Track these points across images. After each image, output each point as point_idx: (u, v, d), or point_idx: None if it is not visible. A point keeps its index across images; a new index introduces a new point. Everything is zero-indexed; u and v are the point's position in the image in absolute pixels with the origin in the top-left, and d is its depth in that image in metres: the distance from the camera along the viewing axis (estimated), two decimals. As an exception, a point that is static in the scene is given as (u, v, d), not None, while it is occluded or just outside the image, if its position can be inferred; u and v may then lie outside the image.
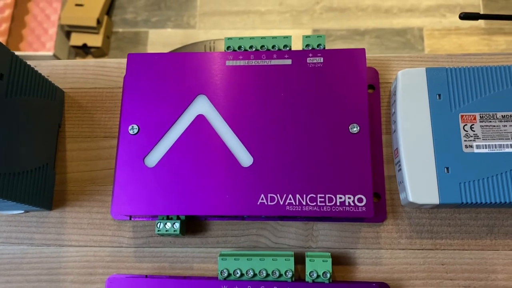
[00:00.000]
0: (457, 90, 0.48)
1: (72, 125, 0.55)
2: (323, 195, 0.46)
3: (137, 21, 1.69)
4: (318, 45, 0.51)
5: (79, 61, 0.58)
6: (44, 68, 0.57)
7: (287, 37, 0.51)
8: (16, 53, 0.47)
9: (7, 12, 1.54)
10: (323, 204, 0.45)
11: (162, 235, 0.48)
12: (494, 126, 0.47)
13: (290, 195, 0.46)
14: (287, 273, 0.45)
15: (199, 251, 0.50)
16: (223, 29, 1.65)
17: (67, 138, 0.55)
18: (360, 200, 0.45)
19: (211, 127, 0.49)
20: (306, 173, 0.46)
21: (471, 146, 0.47)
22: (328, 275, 0.45)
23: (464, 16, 0.50)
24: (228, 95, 0.49)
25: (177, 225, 0.47)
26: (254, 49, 0.51)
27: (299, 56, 0.50)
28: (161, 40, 1.66)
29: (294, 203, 0.46)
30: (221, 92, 0.50)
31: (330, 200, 0.45)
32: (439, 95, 0.49)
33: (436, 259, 0.48)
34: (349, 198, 0.45)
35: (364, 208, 0.45)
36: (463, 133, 0.47)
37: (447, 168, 0.46)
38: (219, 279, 0.46)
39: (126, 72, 0.51)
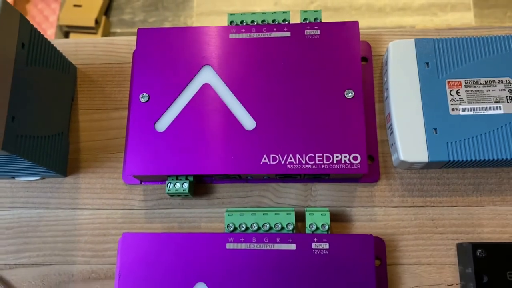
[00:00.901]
0: (444, 58, 0.52)
1: (84, 98, 0.59)
2: (321, 154, 0.49)
3: (134, 22, 1.72)
4: (315, 19, 0.55)
5: (89, 39, 0.61)
6: (56, 46, 0.60)
7: (286, 12, 0.55)
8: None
9: (8, 12, 1.57)
10: (321, 162, 0.49)
11: (172, 195, 0.52)
12: (478, 90, 0.51)
13: (290, 155, 0.50)
14: (289, 226, 0.49)
15: (206, 211, 0.54)
16: (220, 28, 1.68)
17: (79, 110, 0.58)
18: (355, 158, 0.49)
19: (216, 94, 0.52)
20: (305, 134, 0.50)
21: (457, 109, 0.51)
22: (327, 227, 0.48)
23: None
24: (232, 65, 0.53)
25: (186, 185, 0.51)
26: (255, 24, 0.55)
27: (297, 29, 0.54)
28: (159, 39, 1.68)
29: (294, 162, 0.49)
30: (225, 63, 0.53)
31: (328, 158, 0.49)
32: (427, 63, 0.52)
33: (426, 215, 0.52)
34: (345, 156, 0.49)
35: (359, 166, 0.49)
36: (449, 97, 0.51)
37: (435, 130, 0.50)
38: (226, 232, 0.49)
39: (137, 45, 0.55)
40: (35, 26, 0.51)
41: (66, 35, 1.65)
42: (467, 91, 0.51)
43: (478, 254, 0.47)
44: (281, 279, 0.47)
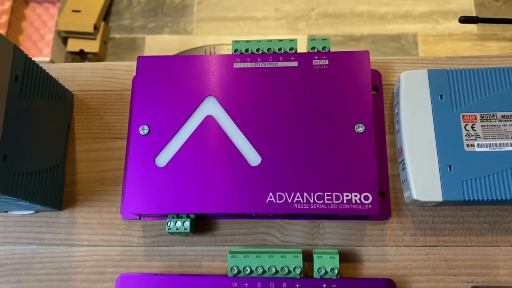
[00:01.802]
0: (458, 91, 0.50)
1: (81, 127, 0.56)
2: (330, 193, 0.47)
3: (134, 27, 1.70)
4: (323, 48, 0.52)
5: (87, 64, 0.59)
6: (53, 70, 0.58)
7: (293, 40, 0.53)
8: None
9: (4, 18, 1.54)
10: (330, 202, 0.47)
11: (173, 233, 0.49)
12: (495, 125, 0.49)
13: (298, 193, 0.47)
14: (296, 270, 0.46)
15: (208, 249, 0.51)
16: (220, 35, 1.66)
17: (76, 140, 0.56)
18: (366, 197, 0.46)
19: (220, 127, 0.50)
20: (313, 171, 0.48)
21: (473, 145, 0.48)
22: (336, 271, 0.46)
23: (464, 20, 0.52)
24: (236, 96, 0.51)
25: (187, 223, 0.48)
26: (261, 52, 0.53)
27: (305, 58, 0.51)
28: (158, 46, 1.67)
29: (302, 201, 0.47)
30: (229, 94, 0.51)
31: (337, 198, 0.47)
32: (441, 95, 0.50)
33: (439, 255, 0.50)
34: (356, 196, 0.47)
35: (370, 206, 0.46)
36: (464, 132, 0.49)
37: (450, 167, 0.48)
38: (229, 276, 0.47)
39: (136, 74, 0.52)
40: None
41: (65, 40, 1.63)
42: (482, 126, 0.49)
43: (495, 301, 0.45)
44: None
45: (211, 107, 0.51)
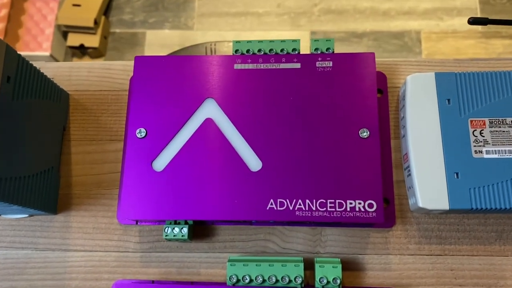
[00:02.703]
0: (466, 95, 0.48)
1: (77, 128, 0.55)
2: (333, 201, 0.45)
3: (134, 22, 1.68)
4: (327, 49, 0.50)
5: (84, 63, 0.57)
6: (48, 70, 0.56)
7: (296, 41, 0.51)
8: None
9: (4, 12, 1.52)
10: (333, 209, 0.45)
11: (170, 240, 0.48)
12: (504, 131, 0.47)
13: (299, 200, 0.46)
14: (297, 279, 0.45)
15: (206, 256, 0.50)
16: (221, 30, 1.65)
17: (72, 141, 0.54)
18: (370, 205, 0.45)
19: (219, 131, 0.48)
20: (315, 178, 0.46)
21: (481, 152, 0.47)
22: (338, 281, 0.44)
23: (474, 21, 0.50)
24: (237, 98, 0.49)
25: (185, 230, 0.47)
26: (262, 53, 0.51)
27: (308, 60, 0.50)
28: (159, 41, 1.65)
29: (303, 208, 0.45)
30: (229, 96, 0.49)
31: (340, 205, 0.45)
32: (448, 100, 0.48)
33: (445, 264, 0.48)
34: (359, 203, 0.45)
35: (374, 214, 0.45)
36: (472, 138, 0.47)
37: (457, 174, 0.46)
38: (228, 285, 0.45)
39: (134, 75, 0.50)
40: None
41: (65, 34, 1.61)
42: (491, 131, 0.47)
43: (503, 314, 0.43)
44: None
45: (210, 110, 0.49)
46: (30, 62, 0.47)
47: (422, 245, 0.49)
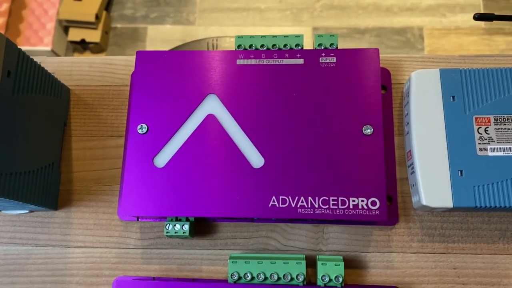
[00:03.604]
0: (471, 92, 0.48)
1: (78, 123, 0.54)
2: (335, 198, 0.45)
3: (135, 17, 1.67)
4: (330, 45, 0.50)
5: (85, 58, 0.57)
6: (49, 64, 0.56)
7: (299, 36, 0.50)
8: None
9: (5, 6, 1.52)
10: (336, 207, 0.45)
11: (171, 237, 0.47)
12: (509, 129, 0.47)
13: (302, 198, 0.45)
14: (299, 277, 0.44)
15: (208, 253, 0.49)
16: (223, 25, 1.64)
17: (73, 137, 0.54)
18: (373, 203, 0.45)
19: (221, 127, 0.48)
20: (318, 175, 0.46)
21: (485, 149, 0.46)
22: (341, 279, 0.44)
23: (479, 17, 0.49)
24: (239, 94, 0.49)
25: (186, 227, 0.47)
26: (265, 48, 0.50)
27: (311, 56, 0.49)
28: (160, 36, 1.64)
29: (306, 206, 0.45)
30: (231, 92, 0.49)
31: (343, 203, 0.45)
32: (453, 97, 0.48)
33: (448, 263, 0.48)
34: (362, 201, 0.45)
35: (377, 212, 0.44)
36: (477, 135, 0.46)
37: (461, 172, 0.46)
38: (229, 282, 0.45)
39: (135, 70, 0.50)
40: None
41: (66, 29, 1.61)
42: (496, 129, 0.47)
43: (506, 313, 0.43)
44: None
45: (212, 106, 0.49)
46: (31, 57, 0.47)
47: (425, 243, 0.48)
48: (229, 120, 0.48)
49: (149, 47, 1.62)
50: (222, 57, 0.50)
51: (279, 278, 0.45)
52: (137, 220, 0.50)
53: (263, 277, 0.45)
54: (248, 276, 0.45)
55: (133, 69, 0.55)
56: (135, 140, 0.48)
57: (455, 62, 0.53)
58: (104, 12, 1.62)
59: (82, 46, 1.61)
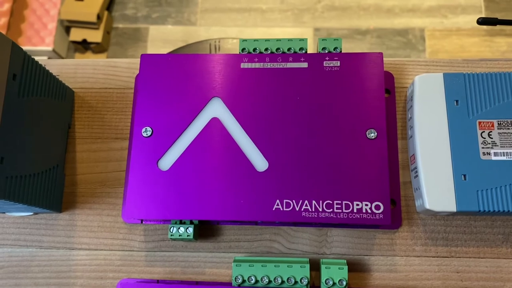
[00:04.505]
0: (474, 96, 0.48)
1: (82, 126, 0.54)
2: (339, 202, 0.45)
3: (137, 17, 1.68)
4: (334, 49, 0.50)
5: (89, 61, 0.57)
6: (53, 67, 0.56)
7: (303, 40, 0.51)
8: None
9: (6, 6, 1.52)
10: (340, 210, 0.45)
11: (175, 239, 0.48)
12: (512, 133, 0.47)
13: (306, 201, 0.45)
14: (303, 280, 0.45)
15: (212, 256, 0.50)
16: (224, 26, 1.64)
17: (77, 139, 0.54)
18: (377, 207, 0.45)
19: (225, 130, 0.48)
20: (322, 178, 0.46)
21: (489, 154, 0.46)
22: (344, 283, 0.44)
23: (483, 22, 0.49)
24: (243, 98, 0.49)
25: (190, 229, 0.47)
26: (269, 52, 0.50)
27: (315, 59, 0.49)
28: (162, 36, 1.64)
29: (310, 209, 0.45)
30: (236, 95, 0.49)
31: (347, 207, 0.45)
32: (457, 101, 0.48)
33: (451, 266, 0.48)
34: (366, 205, 0.45)
35: (381, 216, 0.44)
36: (480, 140, 0.47)
37: (464, 176, 0.46)
38: (234, 285, 0.45)
39: (139, 73, 0.50)
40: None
41: (67, 29, 1.61)
42: (500, 133, 0.47)
43: (509, 317, 0.43)
44: None
45: (216, 109, 0.49)
46: (35, 58, 0.47)
47: (429, 247, 0.48)
48: (233, 124, 0.48)
49: (151, 47, 1.62)
50: (226, 61, 0.50)
51: (283, 282, 0.45)
52: (141, 222, 0.51)
53: (267, 280, 0.45)
54: (252, 280, 0.45)
55: (137, 71, 0.56)
56: (140, 143, 0.48)
57: (459, 66, 0.53)
58: (106, 12, 1.62)
59: (83, 46, 1.61)
